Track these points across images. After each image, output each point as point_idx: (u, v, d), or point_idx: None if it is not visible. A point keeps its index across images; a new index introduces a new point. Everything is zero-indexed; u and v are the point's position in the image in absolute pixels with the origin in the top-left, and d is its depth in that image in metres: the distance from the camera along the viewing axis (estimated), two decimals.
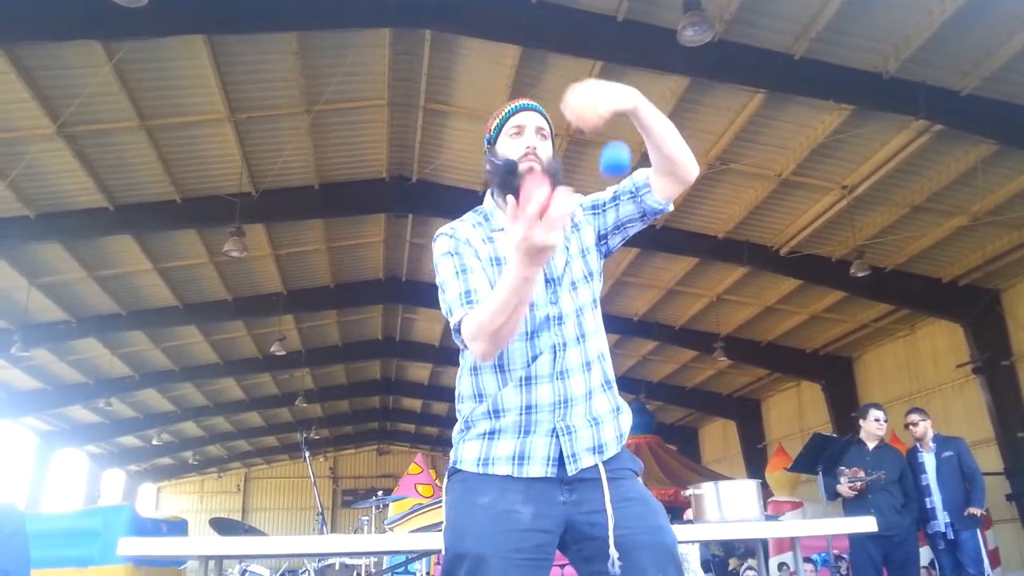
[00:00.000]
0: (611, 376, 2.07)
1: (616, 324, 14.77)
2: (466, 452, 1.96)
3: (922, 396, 13.58)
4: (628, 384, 18.05)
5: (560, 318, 1.97)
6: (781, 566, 10.43)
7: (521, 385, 1.93)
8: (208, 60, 8.23)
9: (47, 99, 8.37)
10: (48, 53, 7.84)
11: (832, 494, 5.99)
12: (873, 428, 6.22)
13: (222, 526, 6.88)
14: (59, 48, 7.80)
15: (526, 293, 1.70)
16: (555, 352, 1.95)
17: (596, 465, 1.93)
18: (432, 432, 27.85)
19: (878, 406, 6.43)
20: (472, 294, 1.92)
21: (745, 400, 19.62)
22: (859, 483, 5.91)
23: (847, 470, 5.97)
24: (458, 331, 1.91)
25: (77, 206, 10.40)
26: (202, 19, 7.66)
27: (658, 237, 11.00)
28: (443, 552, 1.90)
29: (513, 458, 1.90)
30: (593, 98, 1.83)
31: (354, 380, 22.14)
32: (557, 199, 1.51)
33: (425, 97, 9.56)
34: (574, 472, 1.90)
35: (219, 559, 3.31)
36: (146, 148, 9.45)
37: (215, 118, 9.23)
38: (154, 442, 23.06)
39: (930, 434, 6.39)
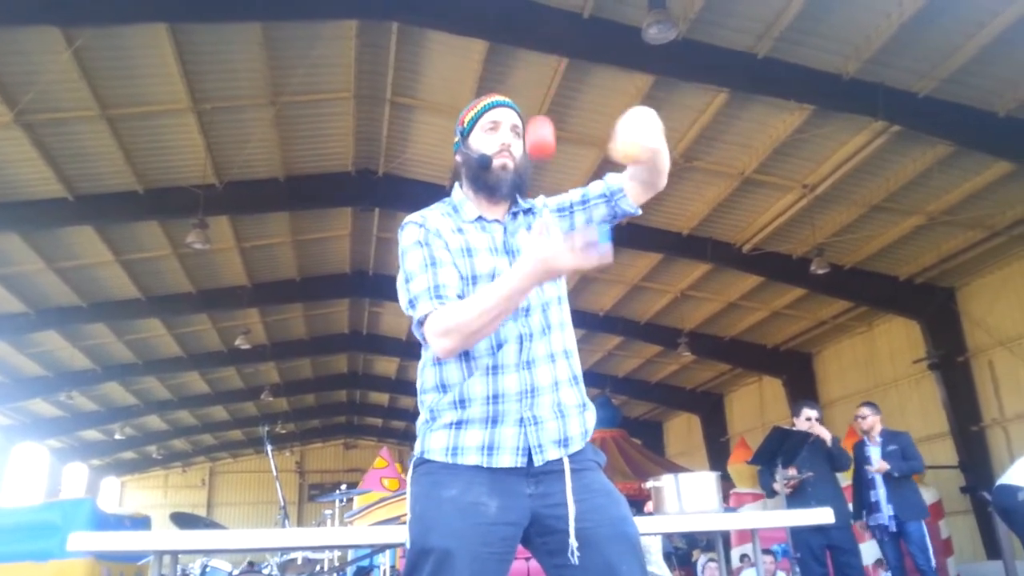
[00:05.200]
0: (578, 373, 2.08)
1: (582, 319, 14.85)
2: (433, 442, 1.94)
3: (879, 391, 13.86)
4: (594, 379, 18.18)
5: (527, 310, 1.98)
6: (743, 557, 10.62)
7: (488, 374, 1.93)
8: (170, 49, 8.12)
9: (3, 86, 8.20)
10: (4, 38, 7.68)
11: (770, 491, 6.11)
12: (805, 427, 6.34)
13: (182, 520, 6.82)
14: (16, 33, 7.64)
15: (517, 303, 1.80)
16: (521, 342, 1.95)
17: (561, 458, 1.93)
18: (399, 426, 27.79)
19: (811, 405, 6.55)
20: (441, 289, 1.92)
21: (708, 394, 19.86)
22: (794, 480, 6.05)
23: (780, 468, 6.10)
24: (421, 324, 1.91)
25: (36, 196, 10.20)
26: (164, 6, 7.56)
27: (623, 233, 11.09)
28: (408, 545, 1.88)
29: (482, 448, 1.90)
30: (643, 137, 1.88)
31: (321, 374, 21.99)
32: (600, 243, 1.65)
33: (392, 90, 9.52)
34: (540, 464, 1.91)
35: (175, 554, 3.29)
36: (107, 138, 9.30)
37: (178, 108, 9.11)
38: (117, 436, 22.66)
39: (878, 428, 6.55)
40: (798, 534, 6.00)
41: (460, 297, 1.94)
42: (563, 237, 1.64)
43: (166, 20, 7.78)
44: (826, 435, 6.17)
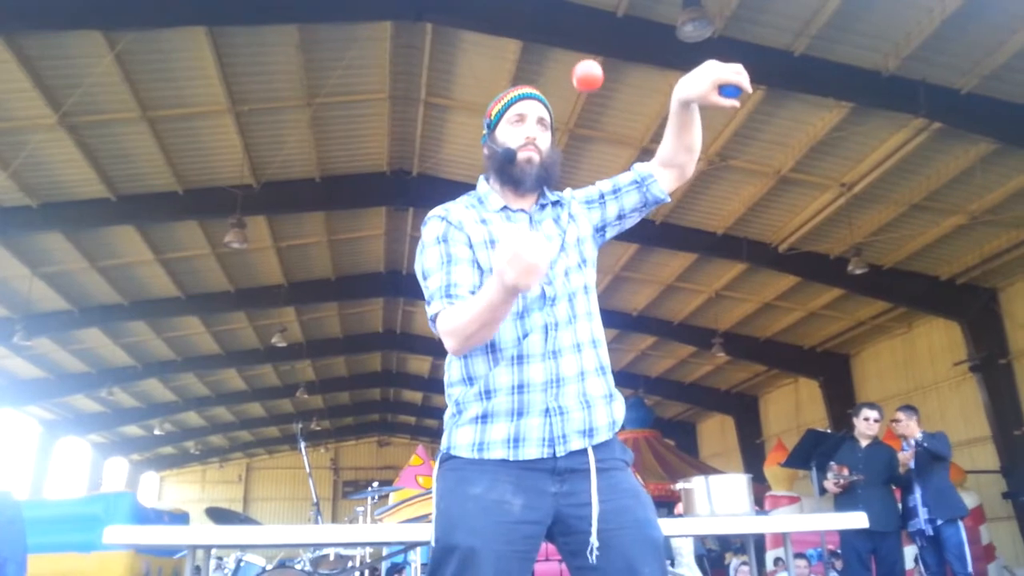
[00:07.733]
0: (606, 363, 2.04)
1: (615, 319, 14.80)
2: (459, 437, 1.92)
3: (919, 394, 13.60)
4: (627, 379, 18.10)
5: (553, 299, 1.95)
6: (777, 561, 10.49)
7: (513, 364, 1.91)
8: (209, 51, 8.26)
9: (48, 89, 8.40)
10: (49, 42, 7.88)
11: (821, 490, 6.05)
12: (863, 427, 6.26)
13: (217, 516, 6.91)
14: (60, 37, 7.84)
15: (503, 312, 1.76)
16: (547, 331, 1.92)
17: (586, 453, 1.90)
18: (433, 424, 27.92)
19: (872, 406, 6.45)
20: (452, 288, 1.92)
21: (743, 396, 19.66)
22: (843, 480, 5.97)
23: (834, 466, 6.03)
24: (434, 322, 1.93)
25: (79, 196, 10.46)
26: (203, 10, 7.70)
27: (658, 233, 11.02)
28: (433, 542, 1.86)
29: (508, 441, 1.87)
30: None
31: (355, 372, 22.22)
32: (535, 246, 1.56)
33: (426, 91, 9.58)
34: (563, 453, 1.87)
35: (208, 548, 3.34)
36: (148, 139, 9.49)
37: (216, 109, 9.26)
38: (156, 432, 23.15)
39: (917, 433, 6.38)
40: (845, 537, 5.94)
41: (472, 295, 1.93)
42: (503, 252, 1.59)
43: (205, 23, 7.91)
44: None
